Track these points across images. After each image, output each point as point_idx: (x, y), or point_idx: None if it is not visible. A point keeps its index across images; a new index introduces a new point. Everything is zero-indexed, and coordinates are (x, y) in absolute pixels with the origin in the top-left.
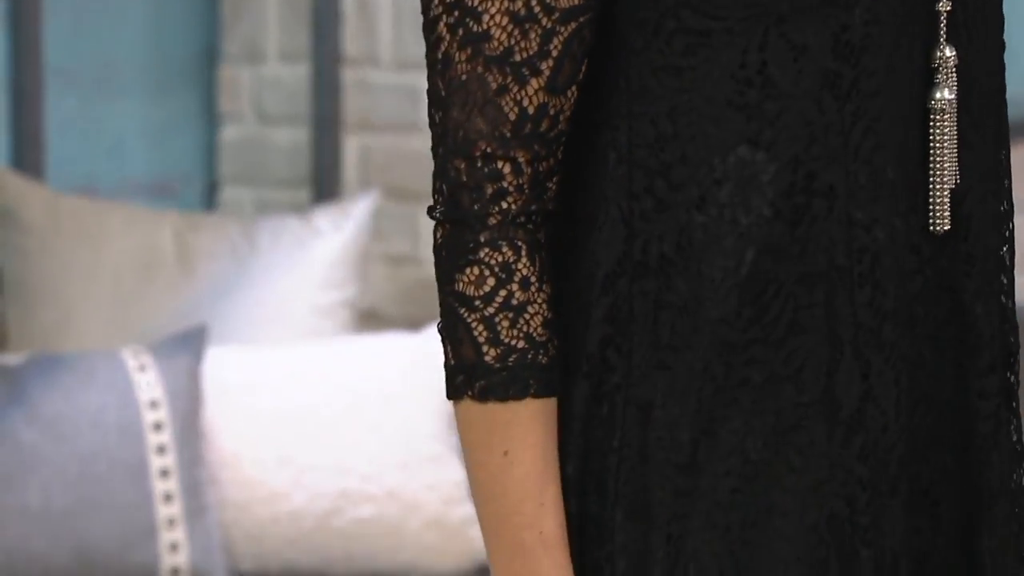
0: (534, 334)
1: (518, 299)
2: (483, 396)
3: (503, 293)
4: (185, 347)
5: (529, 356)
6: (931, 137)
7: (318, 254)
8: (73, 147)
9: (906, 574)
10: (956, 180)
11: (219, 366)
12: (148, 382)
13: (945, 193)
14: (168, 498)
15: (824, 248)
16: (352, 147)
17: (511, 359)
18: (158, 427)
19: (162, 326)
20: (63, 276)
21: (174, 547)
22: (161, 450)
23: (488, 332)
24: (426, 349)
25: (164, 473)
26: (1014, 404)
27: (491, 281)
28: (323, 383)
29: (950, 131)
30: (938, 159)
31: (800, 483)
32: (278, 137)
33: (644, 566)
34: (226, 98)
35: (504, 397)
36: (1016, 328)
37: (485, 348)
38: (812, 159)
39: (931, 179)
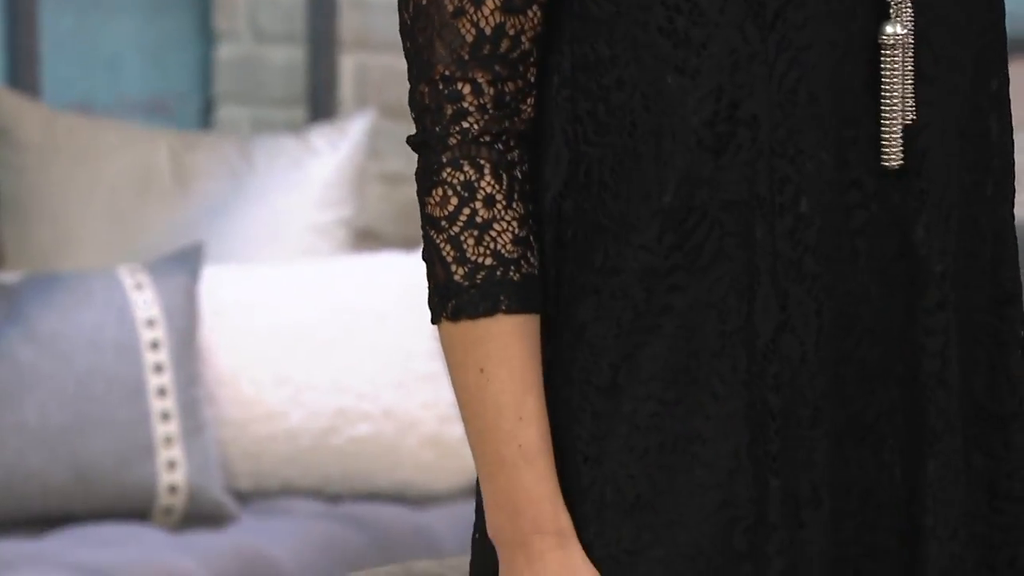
0: (502, 251)
1: (482, 217)
2: (455, 315)
3: (466, 211)
4: (182, 266)
5: (498, 273)
6: (882, 72)
7: (314, 173)
8: (69, 65)
9: (831, 507)
10: (911, 115)
11: (216, 285)
12: (145, 300)
13: (896, 128)
14: (165, 416)
15: (747, 178)
16: (348, 65)
17: (479, 276)
18: (155, 346)
19: (158, 245)
20: (59, 194)
21: (172, 465)
22: (158, 369)
23: (455, 251)
24: (422, 268)
25: (161, 392)
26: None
27: (454, 200)
28: (320, 302)
29: (903, 66)
30: (888, 94)
31: (722, 410)
32: (274, 55)
33: (565, 487)
34: (222, 16)
35: (475, 315)
36: (1015, 265)
37: (453, 268)
38: (736, 88)
39: (882, 114)
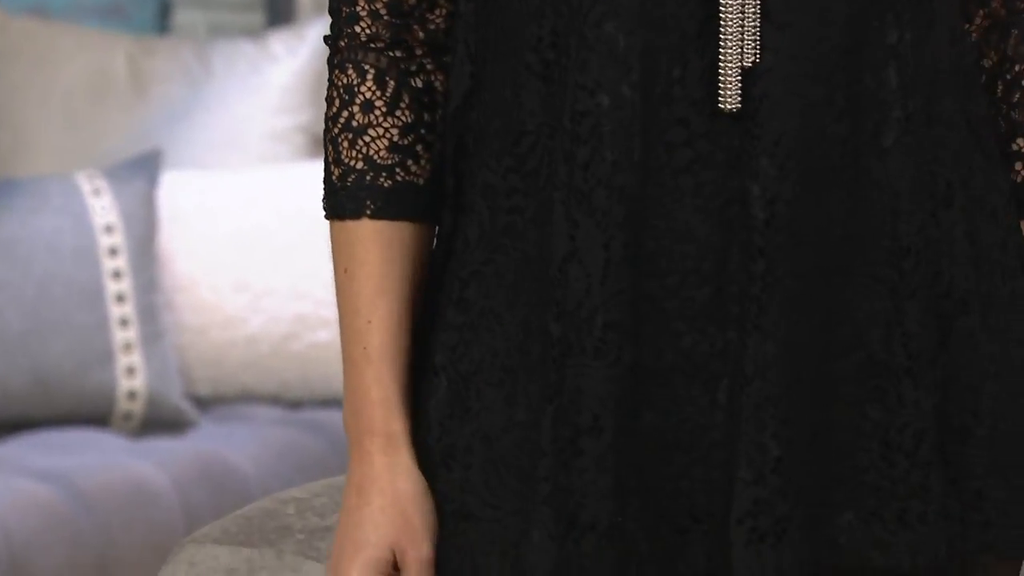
0: (375, 156)
1: (358, 121)
2: (328, 214)
3: (345, 115)
4: (140, 171)
5: (368, 178)
6: (720, 13)
7: (273, 78)
8: None
9: (613, 437)
10: (754, 59)
11: (174, 191)
12: (103, 207)
13: (731, 71)
14: (124, 323)
15: (557, 107)
16: None
17: (350, 179)
18: (113, 252)
19: (116, 150)
20: (15, 100)
21: (131, 371)
22: (117, 275)
23: (334, 152)
24: None
25: (120, 298)
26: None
27: (336, 103)
28: (279, 208)
29: (742, 9)
30: (724, 36)
31: (518, 335)
32: None
33: (422, 391)
34: None
35: (342, 215)
36: (917, 219)
37: (331, 168)
38: (556, 15)
39: (718, 55)
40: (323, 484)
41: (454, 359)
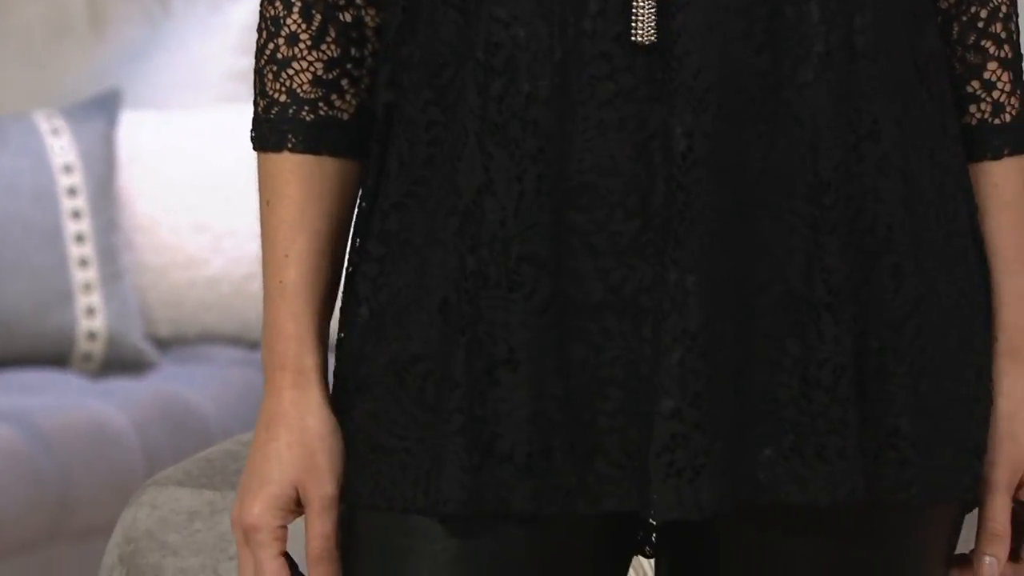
0: (298, 90)
1: (282, 54)
2: (254, 146)
3: (270, 47)
4: (99, 111)
5: (290, 111)
6: None
7: (233, 17)
8: None
9: (531, 369)
10: None
11: (134, 131)
12: (62, 146)
13: (645, 4)
14: (84, 263)
15: (474, 39)
16: None
17: (273, 112)
18: (72, 192)
19: (74, 90)
20: None
21: (90, 311)
22: (76, 215)
23: (259, 84)
24: None
25: (79, 238)
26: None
27: (263, 35)
28: (239, 148)
29: None
30: None
31: (432, 267)
32: None
33: (344, 321)
34: None
35: (264, 147)
36: (837, 154)
37: (258, 100)
38: None
39: None
40: None
41: (375, 289)
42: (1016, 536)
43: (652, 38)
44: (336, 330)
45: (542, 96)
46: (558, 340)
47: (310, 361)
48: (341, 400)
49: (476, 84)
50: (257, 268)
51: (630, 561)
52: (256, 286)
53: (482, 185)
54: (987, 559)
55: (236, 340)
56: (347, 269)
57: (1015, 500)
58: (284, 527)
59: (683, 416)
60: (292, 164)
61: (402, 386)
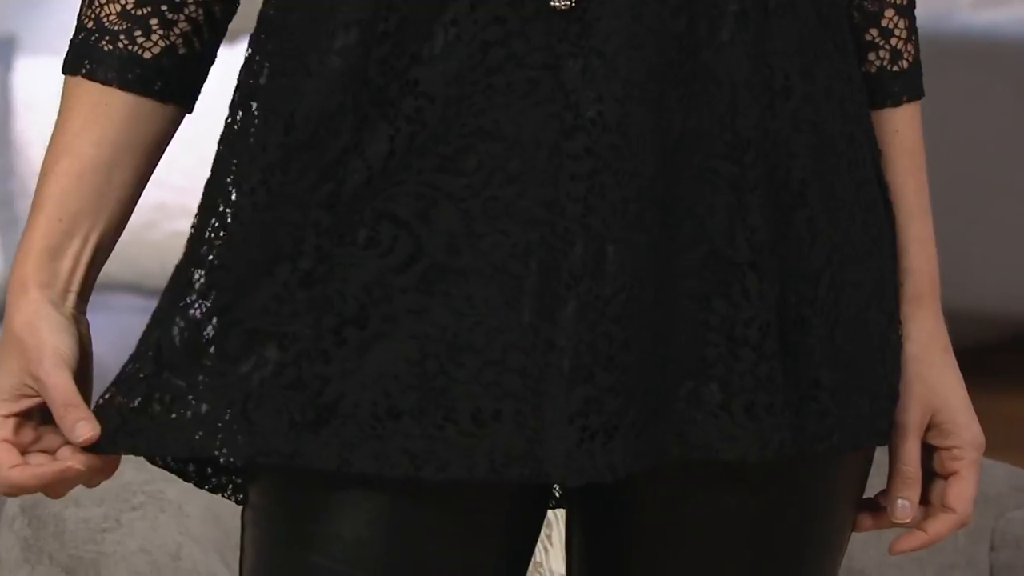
0: (105, 20)
1: None
2: (62, 68)
3: None
4: None
5: (92, 39)
6: None
7: None
8: None
9: (378, 330)
10: None
11: (29, 77)
12: None
13: None
14: None
15: (364, 3)
16: None
17: (79, 37)
18: None
19: None
20: None
21: None
22: None
23: (79, 11)
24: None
25: None
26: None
27: None
28: None
29: None
30: None
31: (293, 222)
32: None
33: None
34: None
35: (64, 70)
36: (756, 113)
37: (75, 24)
38: None
39: None
40: None
41: (228, 239)
42: (924, 480)
43: (568, 3)
44: (189, 280)
45: (426, 57)
46: (417, 302)
47: (46, 276)
48: (196, 350)
49: (365, 48)
50: (157, 216)
51: (544, 516)
52: (155, 234)
53: (349, 143)
54: (900, 502)
55: (135, 288)
56: (197, 218)
57: (924, 443)
58: (9, 416)
59: (595, 381)
60: (81, 90)
61: (246, 340)
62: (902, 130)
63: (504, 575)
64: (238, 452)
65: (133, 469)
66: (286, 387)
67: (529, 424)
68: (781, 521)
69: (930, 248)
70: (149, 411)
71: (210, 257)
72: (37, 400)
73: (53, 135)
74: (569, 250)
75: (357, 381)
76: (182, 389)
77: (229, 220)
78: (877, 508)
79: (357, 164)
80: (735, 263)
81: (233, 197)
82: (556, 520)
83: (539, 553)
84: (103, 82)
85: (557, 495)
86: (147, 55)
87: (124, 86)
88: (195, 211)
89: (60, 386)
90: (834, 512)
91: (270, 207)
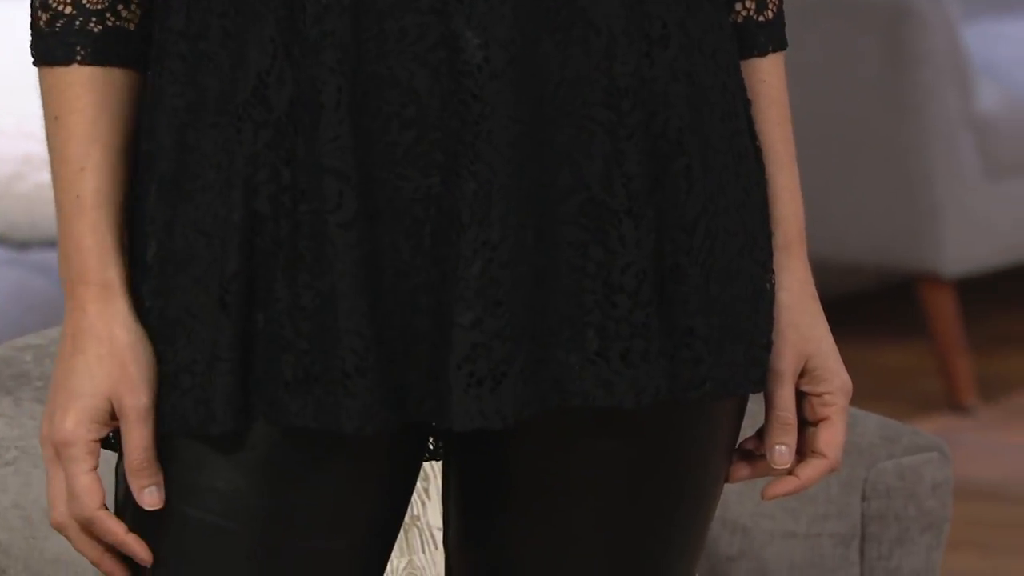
0: (84, 1)
1: None
2: (37, 60)
3: None
4: None
5: (77, 23)
6: None
7: None
8: None
9: (354, 279)
10: None
11: None
12: None
13: None
14: None
15: None
16: None
17: (59, 24)
18: None
19: None
20: None
21: None
22: None
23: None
24: None
25: None
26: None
27: None
28: (5, 44)
29: None
30: None
31: (247, 180)
32: None
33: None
34: None
35: (51, 61)
36: (633, 60)
37: (39, 13)
38: None
39: None
40: (60, 330)
41: (174, 206)
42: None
43: None
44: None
45: (337, 7)
46: (361, 256)
47: (112, 273)
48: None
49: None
50: (24, 168)
51: (419, 467)
52: (23, 186)
53: (294, 97)
54: (779, 448)
55: (3, 240)
56: (140, 186)
57: (798, 389)
58: (98, 442)
59: (483, 326)
60: (82, 77)
61: (187, 277)
62: (768, 80)
63: (380, 526)
64: (212, 424)
65: (5, 425)
66: (228, 346)
67: (424, 368)
68: (657, 467)
69: (797, 198)
70: None
71: (157, 223)
72: (115, 427)
73: (58, 129)
74: (461, 196)
75: (284, 339)
76: None
77: (175, 186)
78: (753, 456)
79: (260, 113)
80: (612, 210)
81: (171, 164)
82: (434, 474)
83: (416, 507)
84: (104, 64)
85: (432, 447)
86: (131, 27)
87: (123, 63)
88: None
89: (144, 445)
90: (708, 460)
91: (218, 168)
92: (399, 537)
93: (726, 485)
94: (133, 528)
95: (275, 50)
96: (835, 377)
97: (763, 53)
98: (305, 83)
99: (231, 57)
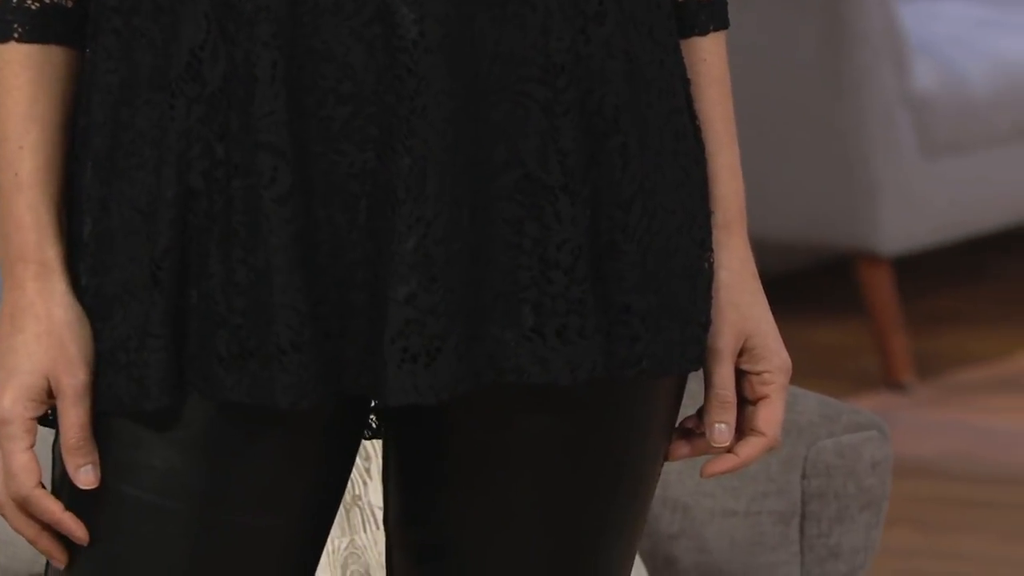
0: None
1: None
2: None
3: None
4: None
5: (14, 1)
6: None
7: None
8: None
9: (289, 254)
10: None
11: None
12: None
13: None
14: None
15: None
16: None
17: None
18: None
19: None
20: None
21: None
22: None
23: None
24: None
25: None
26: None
27: None
28: None
29: None
30: None
31: (159, 154)
32: None
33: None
34: None
35: None
36: (567, 36)
37: None
38: None
39: None
40: None
41: (107, 183)
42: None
43: None
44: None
45: None
46: (296, 231)
47: (51, 252)
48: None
49: None
50: None
51: (358, 446)
52: None
53: (228, 71)
54: (718, 426)
55: None
56: (73, 163)
57: (737, 368)
58: (35, 420)
59: (417, 302)
60: (19, 54)
61: (118, 257)
62: (709, 59)
63: (317, 504)
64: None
65: None
66: (157, 324)
67: (360, 343)
68: (595, 445)
69: (738, 177)
70: None
71: (92, 202)
72: (52, 405)
73: (1, 105)
74: (396, 171)
75: (217, 315)
76: None
77: (108, 163)
78: (693, 435)
79: (192, 89)
80: (547, 186)
81: (105, 139)
82: (375, 453)
83: (358, 486)
84: (41, 41)
85: (374, 425)
86: (69, 4)
87: (61, 41)
88: None
89: (81, 423)
90: (646, 438)
91: (153, 144)
92: (341, 517)
93: (666, 463)
94: (70, 506)
95: (209, 25)
96: (774, 356)
97: (704, 32)
98: (240, 58)
99: (164, 33)
